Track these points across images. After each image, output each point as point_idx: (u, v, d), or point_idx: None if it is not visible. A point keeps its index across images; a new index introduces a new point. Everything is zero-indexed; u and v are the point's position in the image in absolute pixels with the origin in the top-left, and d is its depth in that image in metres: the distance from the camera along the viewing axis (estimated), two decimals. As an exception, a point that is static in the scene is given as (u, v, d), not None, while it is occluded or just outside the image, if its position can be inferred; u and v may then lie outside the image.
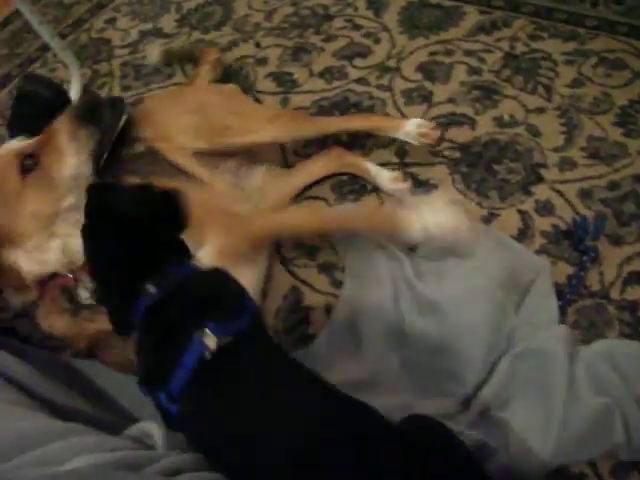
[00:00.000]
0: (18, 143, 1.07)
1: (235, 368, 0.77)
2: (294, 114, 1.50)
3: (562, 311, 1.13)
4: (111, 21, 2.07)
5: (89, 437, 0.75)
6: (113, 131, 1.13)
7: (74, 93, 1.69)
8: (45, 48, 2.02)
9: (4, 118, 1.84)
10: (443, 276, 1.20)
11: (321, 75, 1.70)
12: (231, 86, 1.49)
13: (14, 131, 1.34)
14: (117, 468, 0.67)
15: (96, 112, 1.10)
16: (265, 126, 1.30)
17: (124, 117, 1.22)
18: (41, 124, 1.27)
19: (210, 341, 0.74)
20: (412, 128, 1.34)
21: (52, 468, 0.65)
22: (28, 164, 1.05)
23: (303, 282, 1.31)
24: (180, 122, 1.27)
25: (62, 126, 1.09)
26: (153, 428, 0.79)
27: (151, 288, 0.79)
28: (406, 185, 1.36)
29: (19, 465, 0.66)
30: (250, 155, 1.37)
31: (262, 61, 1.78)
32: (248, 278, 1.03)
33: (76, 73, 1.73)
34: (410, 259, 1.24)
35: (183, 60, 1.72)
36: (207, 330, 0.75)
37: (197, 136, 1.25)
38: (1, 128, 1.80)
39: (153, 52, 1.76)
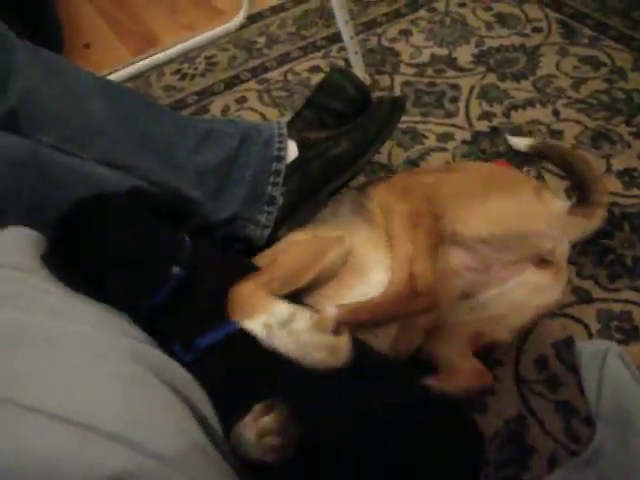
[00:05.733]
0: None
1: None
2: None
3: None
4: (406, 33, 1.95)
5: None
6: None
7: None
8: (331, 39, 1.96)
9: (271, 97, 1.79)
10: None
11: (619, 175, 1.46)
12: None
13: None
14: None
15: None
16: None
17: None
18: (337, 118, 1.31)
19: None
20: None
21: None
22: None
23: (533, 414, 1.10)
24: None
25: None
26: None
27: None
28: None
29: None
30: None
31: (556, 133, 1.57)
32: None
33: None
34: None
35: (557, 164, 1.48)
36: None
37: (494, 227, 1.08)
38: (267, 108, 1.76)
39: (522, 141, 1.51)
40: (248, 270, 0.95)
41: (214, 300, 0.88)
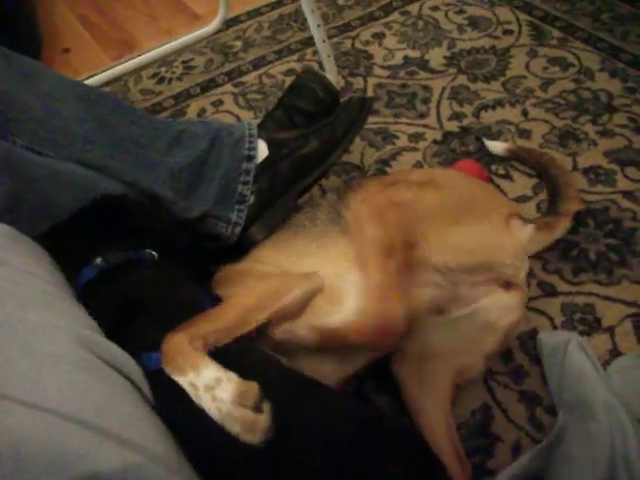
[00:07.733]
0: None
1: None
2: None
3: None
4: (379, 36, 1.99)
5: None
6: None
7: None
8: (306, 43, 1.99)
9: (246, 100, 1.82)
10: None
11: (585, 172, 1.50)
12: None
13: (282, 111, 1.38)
14: None
15: None
16: None
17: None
18: (307, 118, 1.35)
19: None
20: None
21: None
22: None
23: (498, 404, 1.14)
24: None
25: None
26: None
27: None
28: None
29: None
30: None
31: (524, 133, 1.61)
32: None
33: (333, 80, 1.66)
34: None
35: (534, 167, 1.51)
36: None
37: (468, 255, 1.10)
38: (243, 111, 1.79)
39: (499, 145, 1.55)
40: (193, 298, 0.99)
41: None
